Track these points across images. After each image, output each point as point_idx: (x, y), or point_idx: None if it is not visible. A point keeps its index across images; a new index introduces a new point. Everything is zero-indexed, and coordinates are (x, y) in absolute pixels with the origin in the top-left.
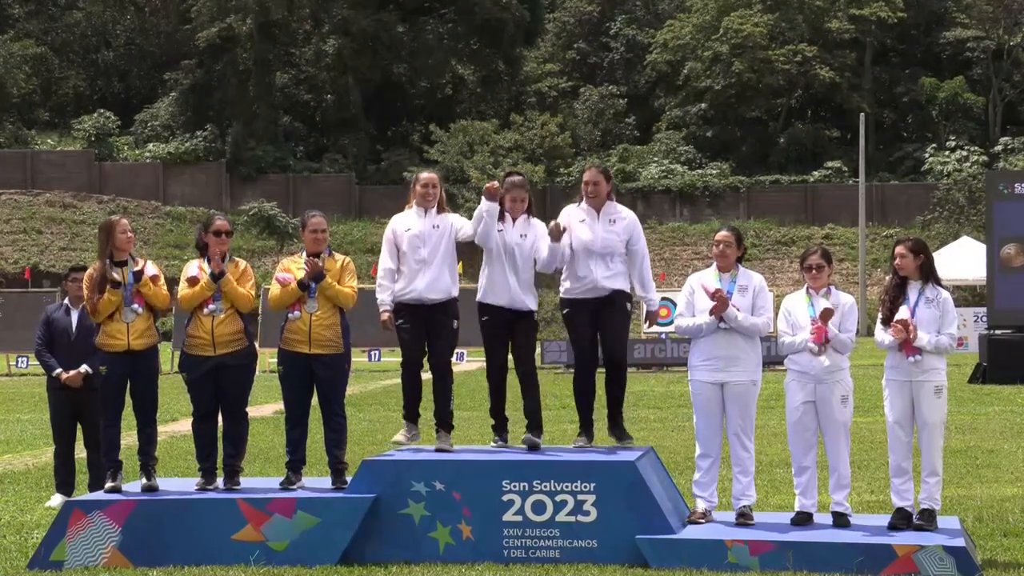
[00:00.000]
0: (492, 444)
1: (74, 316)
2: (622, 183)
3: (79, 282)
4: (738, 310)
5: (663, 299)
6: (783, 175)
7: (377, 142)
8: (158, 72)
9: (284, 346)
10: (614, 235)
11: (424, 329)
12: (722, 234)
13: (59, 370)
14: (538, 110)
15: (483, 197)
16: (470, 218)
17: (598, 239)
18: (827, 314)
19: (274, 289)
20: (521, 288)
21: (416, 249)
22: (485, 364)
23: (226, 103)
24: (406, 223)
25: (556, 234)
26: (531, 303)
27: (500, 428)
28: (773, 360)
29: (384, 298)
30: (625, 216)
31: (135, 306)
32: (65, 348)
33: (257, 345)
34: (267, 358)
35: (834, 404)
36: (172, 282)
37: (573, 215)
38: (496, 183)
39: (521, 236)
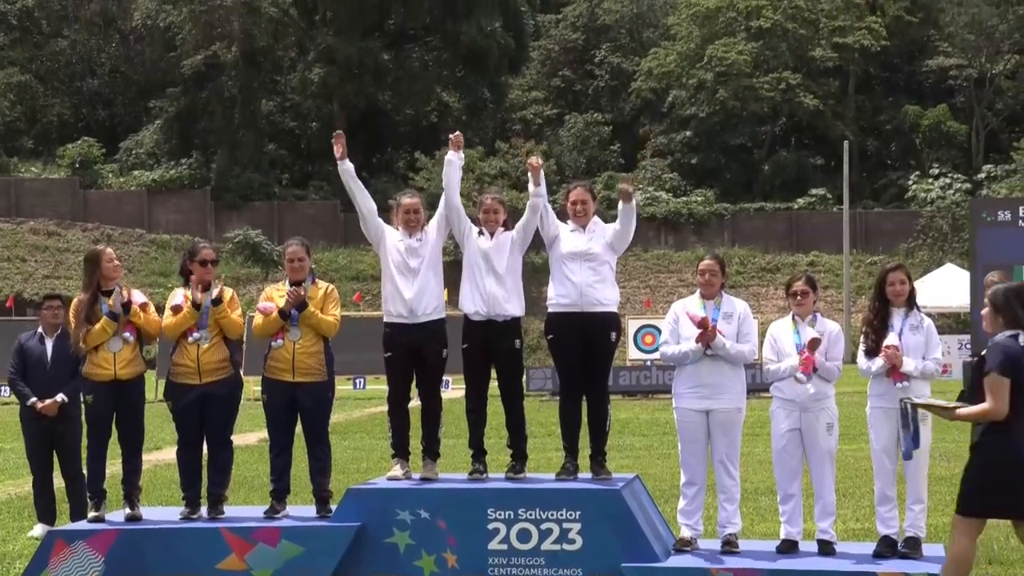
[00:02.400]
0: (469, 476)
1: (48, 344)
2: (607, 210)
3: (53, 309)
4: (724, 337)
5: (648, 326)
6: (767, 202)
7: (362, 169)
8: (143, 99)
9: (268, 374)
10: (600, 242)
11: (411, 361)
12: (706, 262)
13: (34, 399)
14: (523, 137)
15: (449, 149)
16: (455, 248)
17: (582, 246)
18: (815, 343)
19: (257, 318)
20: (500, 290)
21: (402, 260)
22: (465, 393)
23: (211, 130)
24: (394, 240)
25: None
26: (514, 308)
27: (478, 457)
28: (758, 387)
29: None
30: (604, 225)
31: (126, 335)
32: (40, 377)
33: (242, 373)
34: (251, 386)
35: (819, 432)
36: (158, 310)
37: (560, 228)
38: (459, 135)
39: (499, 243)
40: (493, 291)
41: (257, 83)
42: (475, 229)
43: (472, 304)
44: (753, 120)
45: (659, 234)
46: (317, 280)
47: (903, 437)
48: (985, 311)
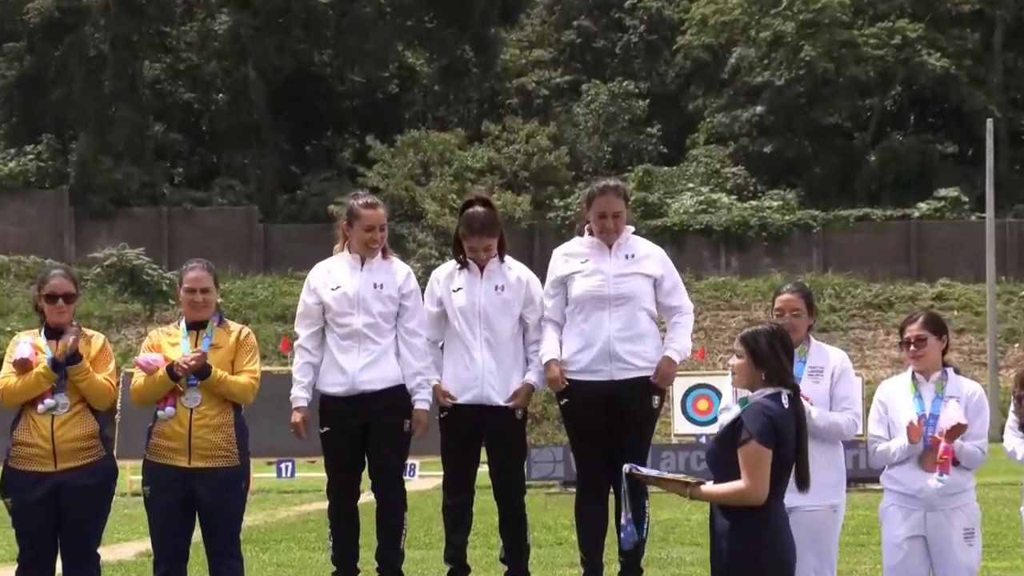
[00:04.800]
0: None
1: None
2: (642, 219)
3: None
4: (810, 403)
5: (702, 386)
6: (875, 208)
7: (291, 161)
8: None
9: (153, 457)
10: (636, 274)
11: (361, 435)
12: (786, 296)
13: None
14: (522, 116)
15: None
16: (426, 276)
17: (610, 281)
18: (958, 431)
19: (138, 377)
20: (499, 371)
21: (347, 315)
22: (442, 482)
23: (69, 105)
24: (334, 277)
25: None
26: (514, 382)
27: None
28: (862, 475)
29: (298, 393)
30: (649, 252)
31: None
32: None
33: (115, 455)
34: (129, 474)
35: (954, 541)
36: None
37: (571, 255)
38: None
39: (497, 289)
40: (489, 372)
41: (137, 36)
42: (451, 276)
43: (457, 390)
44: (854, 90)
45: (717, 254)
46: (226, 321)
47: (622, 519)
48: (739, 361)
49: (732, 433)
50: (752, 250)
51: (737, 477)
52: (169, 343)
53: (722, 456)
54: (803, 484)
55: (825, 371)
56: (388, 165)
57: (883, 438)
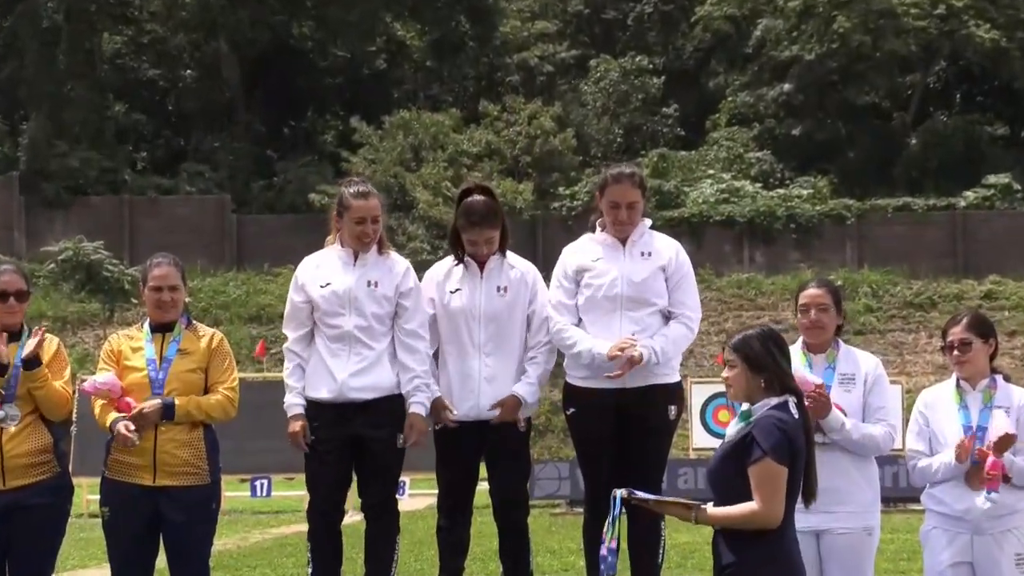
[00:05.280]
0: None
1: None
2: (657, 210)
3: None
4: (844, 414)
5: (722, 395)
6: (916, 197)
7: (267, 145)
8: None
9: (113, 475)
10: (652, 274)
11: (349, 449)
12: (812, 291)
13: None
14: (523, 95)
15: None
16: (416, 272)
17: (623, 281)
18: (1007, 442)
19: (97, 405)
20: (501, 381)
21: (337, 315)
22: (436, 501)
23: (19, 82)
24: (324, 273)
25: None
26: (522, 406)
27: None
28: (902, 494)
29: (293, 400)
30: (666, 246)
31: None
32: None
33: (71, 472)
34: (86, 493)
35: (1004, 568)
36: None
37: (584, 253)
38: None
39: (499, 291)
40: (490, 385)
41: (95, 5)
42: (447, 276)
43: (454, 404)
44: (893, 65)
45: (740, 248)
46: (196, 323)
47: (603, 548)
48: (732, 371)
49: (742, 450)
50: (779, 244)
51: (742, 498)
52: (131, 348)
53: (728, 475)
54: (810, 497)
55: (857, 378)
56: (375, 149)
57: (924, 453)
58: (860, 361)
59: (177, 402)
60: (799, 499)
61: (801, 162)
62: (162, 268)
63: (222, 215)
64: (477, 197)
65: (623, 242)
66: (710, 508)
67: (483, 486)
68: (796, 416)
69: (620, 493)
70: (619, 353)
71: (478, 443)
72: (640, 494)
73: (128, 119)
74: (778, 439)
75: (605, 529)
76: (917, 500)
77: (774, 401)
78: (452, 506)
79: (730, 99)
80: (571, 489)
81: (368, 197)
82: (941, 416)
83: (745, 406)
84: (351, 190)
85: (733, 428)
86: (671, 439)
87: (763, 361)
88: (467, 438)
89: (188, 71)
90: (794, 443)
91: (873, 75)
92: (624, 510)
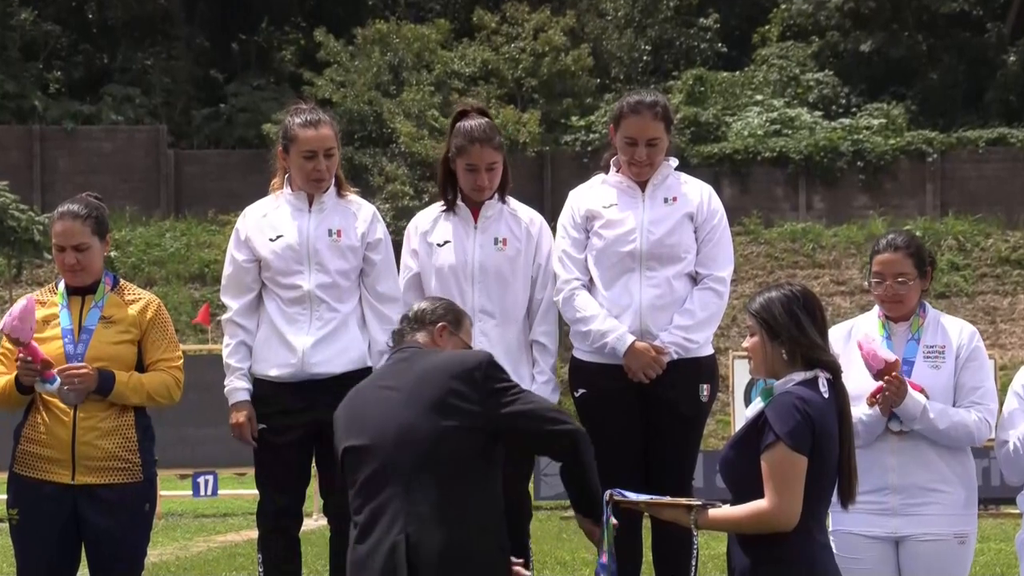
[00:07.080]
0: None
1: None
2: (693, 145)
3: None
4: (926, 396)
5: None
6: (1013, 128)
7: (211, 64)
8: None
9: (22, 470)
10: (678, 224)
11: (309, 438)
12: (887, 256)
13: None
14: (528, 2)
15: None
16: (396, 222)
17: (642, 233)
18: None
19: None
20: (505, 345)
21: (294, 274)
22: None
23: None
24: (273, 223)
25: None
26: (524, 374)
27: None
28: (995, 495)
29: (236, 383)
30: (695, 190)
31: None
32: None
33: None
34: None
35: None
36: None
37: (596, 196)
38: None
39: (497, 243)
40: (491, 346)
41: None
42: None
43: None
44: None
45: (795, 191)
46: (125, 284)
47: (600, 555)
48: (753, 340)
49: (755, 435)
50: (844, 186)
51: (759, 496)
52: (44, 315)
53: (740, 467)
54: (848, 499)
55: (947, 352)
56: (345, 69)
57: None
58: (952, 331)
59: (117, 376)
60: (835, 499)
61: (871, 85)
62: (64, 222)
63: (156, 150)
64: (476, 118)
65: (642, 186)
66: (713, 509)
67: None
68: (826, 395)
69: (613, 495)
70: (643, 377)
71: None
72: (630, 495)
73: (37, 30)
74: (796, 422)
75: (601, 539)
76: (1012, 502)
77: (799, 377)
78: None
79: (783, 7)
80: None
81: (319, 126)
82: None
83: (770, 382)
84: (298, 120)
85: (752, 409)
86: (703, 424)
87: (785, 329)
88: None
89: None
90: (819, 428)
91: None
92: (611, 515)
